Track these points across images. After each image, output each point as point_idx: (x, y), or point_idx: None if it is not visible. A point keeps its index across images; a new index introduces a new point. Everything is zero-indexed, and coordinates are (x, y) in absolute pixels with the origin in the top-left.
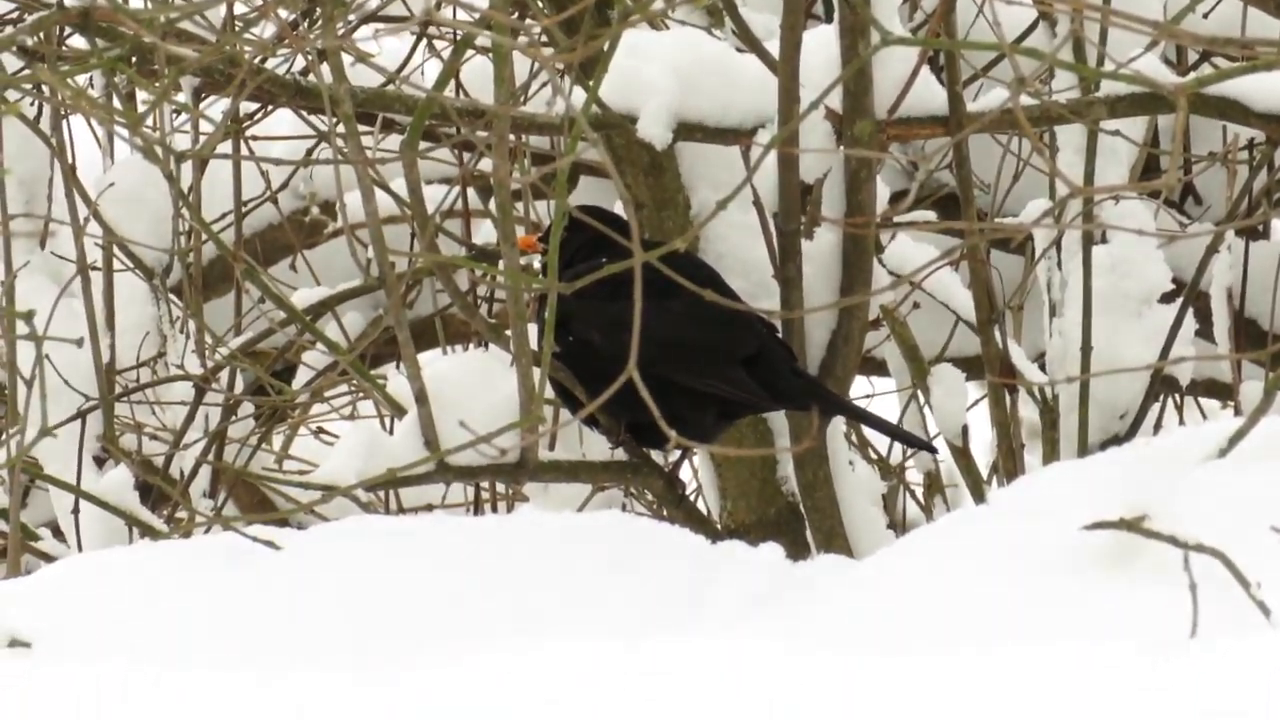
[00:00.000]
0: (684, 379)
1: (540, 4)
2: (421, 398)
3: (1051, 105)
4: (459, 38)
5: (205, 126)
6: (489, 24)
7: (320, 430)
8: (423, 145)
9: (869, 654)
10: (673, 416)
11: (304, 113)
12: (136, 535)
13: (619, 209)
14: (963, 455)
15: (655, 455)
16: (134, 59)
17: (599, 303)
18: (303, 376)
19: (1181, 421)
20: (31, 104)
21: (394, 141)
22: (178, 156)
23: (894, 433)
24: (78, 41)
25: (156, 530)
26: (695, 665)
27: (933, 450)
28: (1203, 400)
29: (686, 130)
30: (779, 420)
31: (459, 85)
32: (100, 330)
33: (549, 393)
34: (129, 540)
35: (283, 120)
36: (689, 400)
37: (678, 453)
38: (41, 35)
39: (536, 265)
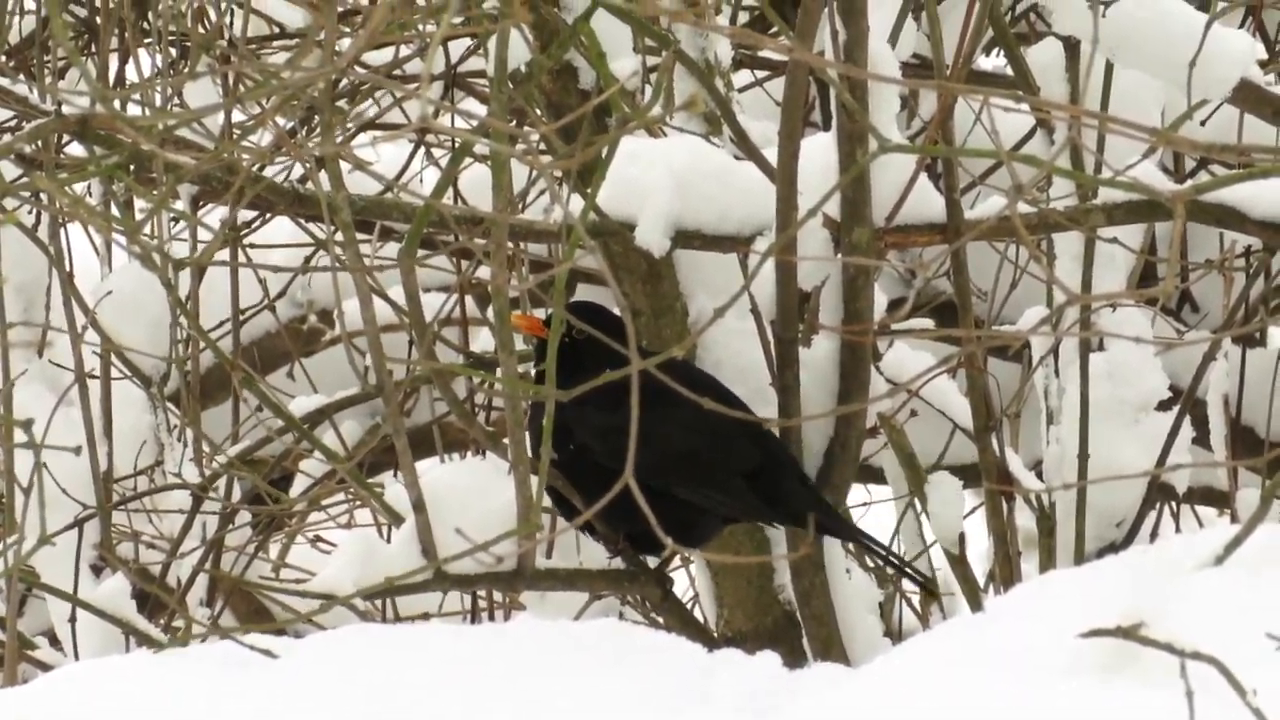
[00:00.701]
0: (684, 492)
1: (538, 111)
2: (419, 506)
3: (1049, 212)
4: (457, 145)
5: (203, 234)
6: (487, 131)
7: (317, 539)
8: (421, 253)
9: None
10: (671, 525)
11: (302, 220)
12: (134, 644)
13: (618, 309)
14: (960, 563)
15: (649, 559)
16: (132, 166)
17: (599, 411)
18: (300, 485)
19: (1178, 529)
20: (30, 212)
21: (392, 249)
22: (175, 264)
23: (891, 562)
24: (76, 149)
25: (154, 639)
26: None
27: (931, 589)
28: (1199, 508)
29: (684, 237)
30: (776, 530)
31: (457, 193)
32: (98, 438)
33: (546, 501)
34: (126, 649)
35: (281, 228)
36: (688, 510)
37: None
38: (39, 143)
39: (534, 373)
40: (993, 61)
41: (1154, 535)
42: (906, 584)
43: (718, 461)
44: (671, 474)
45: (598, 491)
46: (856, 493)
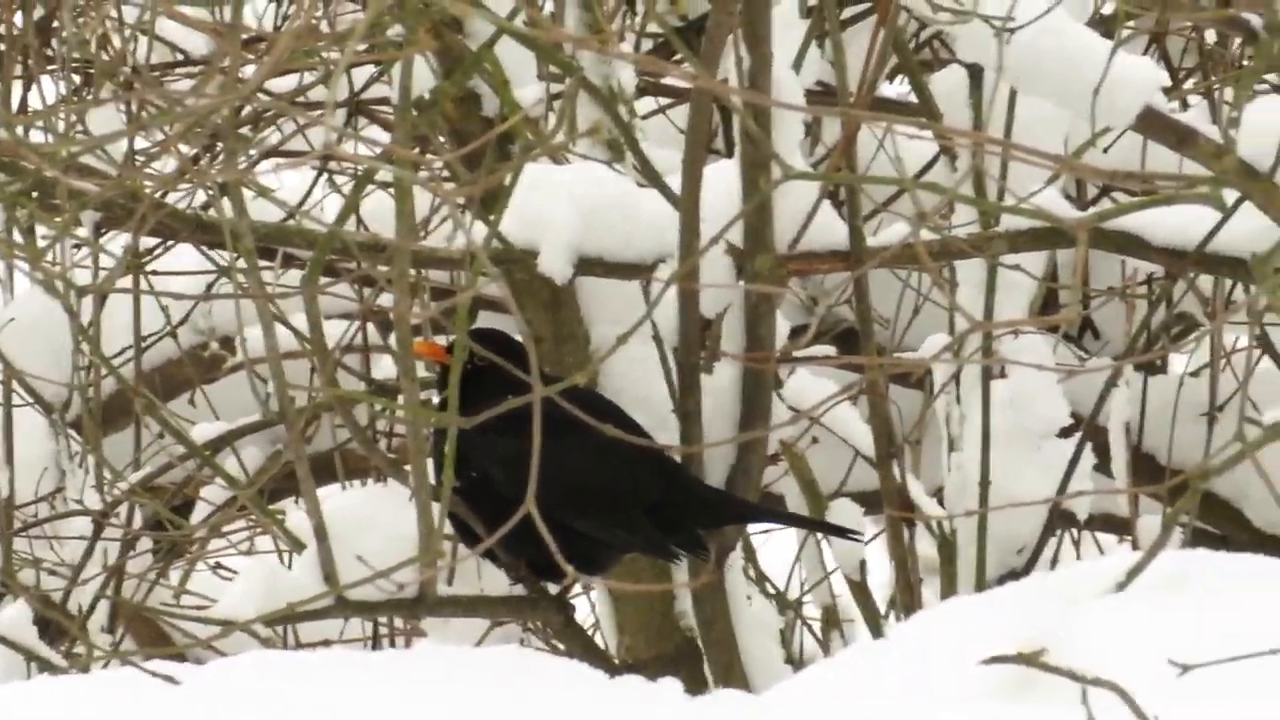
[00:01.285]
0: (583, 525)
1: (441, 139)
2: (320, 533)
3: (952, 240)
4: (360, 172)
5: (105, 261)
6: (390, 158)
7: (219, 565)
8: (323, 280)
9: None
10: (571, 554)
11: (205, 247)
12: (35, 670)
13: (520, 336)
14: (860, 590)
15: (550, 585)
16: (35, 193)
17: (500, 438)
18: (201, 511)
19: (1079, 556)
20: None
21: (294, 276)
22: (78, 291)
23: (817, 526)
24: None
25: (55, 665)
26: None
27: (859, 537)
28: (1100, 534)
29: (587, 265)
30: (677, 563)
31: (360, 220)
32: None
33: (448, 528)
34: (27, 675)
35: (183, 255)
36: (588, 541)
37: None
38: None
39: (436, 400)
40: (896, 88)
41: (1055, 562)
42: (807, 611)
43: (618, 495)
44: (571, 507)
45: (499, 519)
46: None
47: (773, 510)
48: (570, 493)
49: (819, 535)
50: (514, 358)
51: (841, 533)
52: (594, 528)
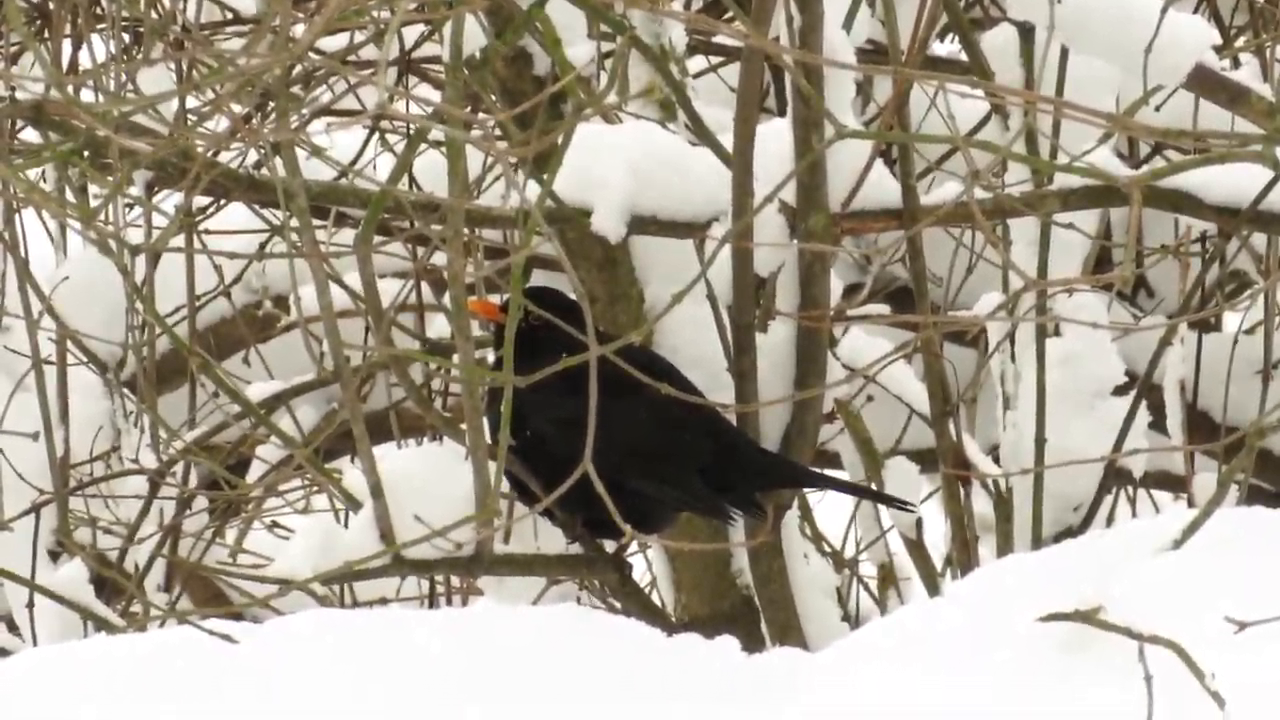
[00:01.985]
0: (637, 484)
1: (494, 98)
2: (377, 491)
3: (1005, 198)
4: (412, 131)
5: (158, 220)
6: (442, 118)
7: (275, 524)
8: (377, 239)
9: None
10: (626, 512)
11: (257, 207)
12: (92, 629)
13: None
14: (917, 548)
15: (607, 544)
16: (87, 153)
17: (555, 397)
18: (257, 470)
19: (1134, 514)
20: None
21: (348, 236)
22: (132, 250)
23: (869, 494)
24: (30, 135)
25: (112, 624)
26: None
27: (913, 509)
28: (1156, 492)
29: (640, 224)
30: (731, 523)
31: (413, 179)
32: (55, 424)
33: (504, 486)
34: (84, 634)
35: (236, 214)
36: (643, 499)
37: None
38: None
39: (491, 359)
40: (948, 47)
41: (1110, 520)
42: (864, 569)
43: (672, 456)
44: (625, 467)
45: (554, 477)
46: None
47: (825, 476)
48: (624, 452)
49: None
50: (569, 316)
51: (893, 502)
52: (648, 486)
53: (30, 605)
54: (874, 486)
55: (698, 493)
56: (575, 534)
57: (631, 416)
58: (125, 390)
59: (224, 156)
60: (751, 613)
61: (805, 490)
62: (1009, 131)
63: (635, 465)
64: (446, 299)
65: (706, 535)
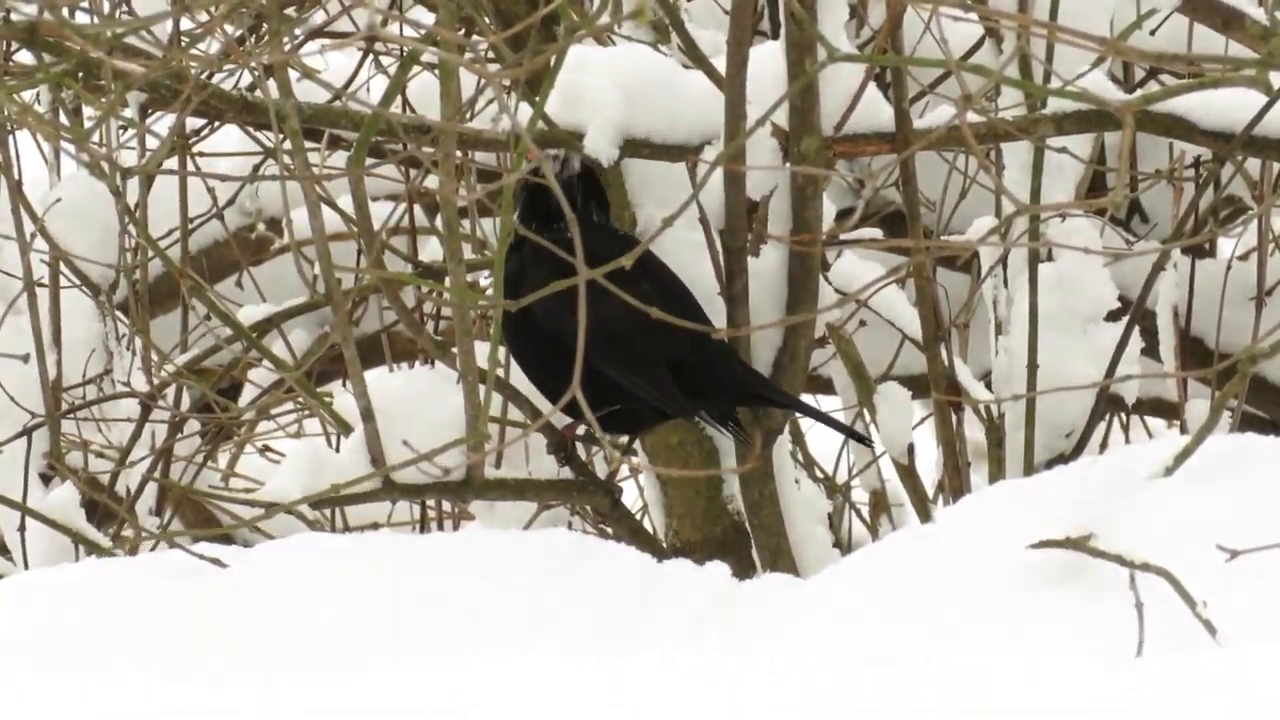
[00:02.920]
0: (611, 371)
1: (486, 20)
2: (368, 415)
3: (998, 122)
4: (405, 54)
5: (151, 142)
6: (435, 40)
7: (266, 448)
8: (369, 162)
9: (816, 671)
10: (605, 410)
11: (250, 129)
12: (83, 553)
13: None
14: (908, 473)
15: (598, 465)
16: (80, 74)
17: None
18: (249, 394)
19: (1127, 440)
20: None
21: (340, 158)
22: (124, 172)
23: (836, 425)
24: (24, 57)
25: (103, 548)
26: (643, 680)
27: (869, 443)
28: (1149, 419)
29: (633, 146)
30: (724, 440)
31: (405, 102)
32: (46, 347)
33: (495, 410)
34: (76, 557)
35: (229, 136)
36: (620, 393)
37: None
38: None
39: (484, 283)
40: None
41: (1103, 446)
42: (855, 495)
43: (640, 341)
44: (599, 346)
45: (540, 354)
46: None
47: (796, 400)
48: (597, 331)
49: (868, 419)
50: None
51: (857, 437)
52: (614, 369)
53: (21, 529)
54: (865, 411)
55: (662, 383)
56: (565, 452)
57: (608, 297)
58: (117, 313)
59: (217, 78)
60: (742, 538)
61: (778, 409)
62: (1002, 55)
63: (605, 345)
64: (439, 222)
65: (698, 461)
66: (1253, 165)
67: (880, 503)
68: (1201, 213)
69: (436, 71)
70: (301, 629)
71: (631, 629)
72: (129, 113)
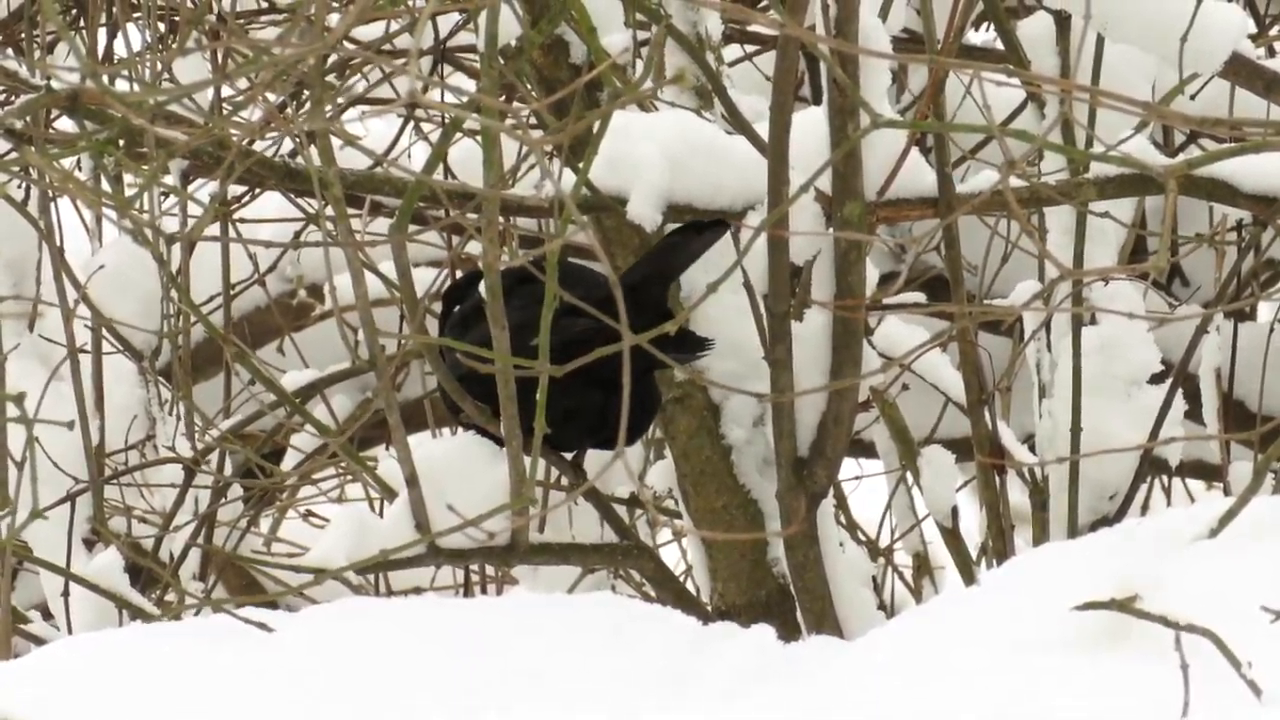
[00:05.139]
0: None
1: (529, 86)
2: (412, 480)
3: (1040, 187)
4: (447, 120)
5: (193, 209)
6: (477, 107)
7: (309, 513)
8: (412, 228)
9: None
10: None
11: (293, 195)
12: (126, 618)
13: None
14: (953, 536)
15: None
16: (122, 142)
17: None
18: (292, 459)
19: (1169, 503)
20: (20, 186)
21: (383, 224)
22: (167, 238)
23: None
24: (66, 124)
25: (147, 613)
26: None
27: (727, 226)
28: (1191, 481)
29: (676, 212)
30: (769, 504)
31: (447, 168)
32: (90, 413)
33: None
34: (119, 623)
35: (271, 203)
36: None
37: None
38: (29, 118)
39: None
40: (983, 35)
41: (1146, 509)
42: (898, 558)
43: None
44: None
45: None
46: (849, 466)
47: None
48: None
49: (908, 483)
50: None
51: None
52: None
53: (65, 594)
54: (908, 476)
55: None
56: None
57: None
58: (160, 379)
59: (259, 145)
60: (787, 601)
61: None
62: (1045, 120)
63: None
64: (481, 288)
65: (743, 524)
66: None
67: (924, 565)
68: (1243, 276)
69: (479, 138)
70: (347, 693)
71: (677, 691)
72: (171, 180)
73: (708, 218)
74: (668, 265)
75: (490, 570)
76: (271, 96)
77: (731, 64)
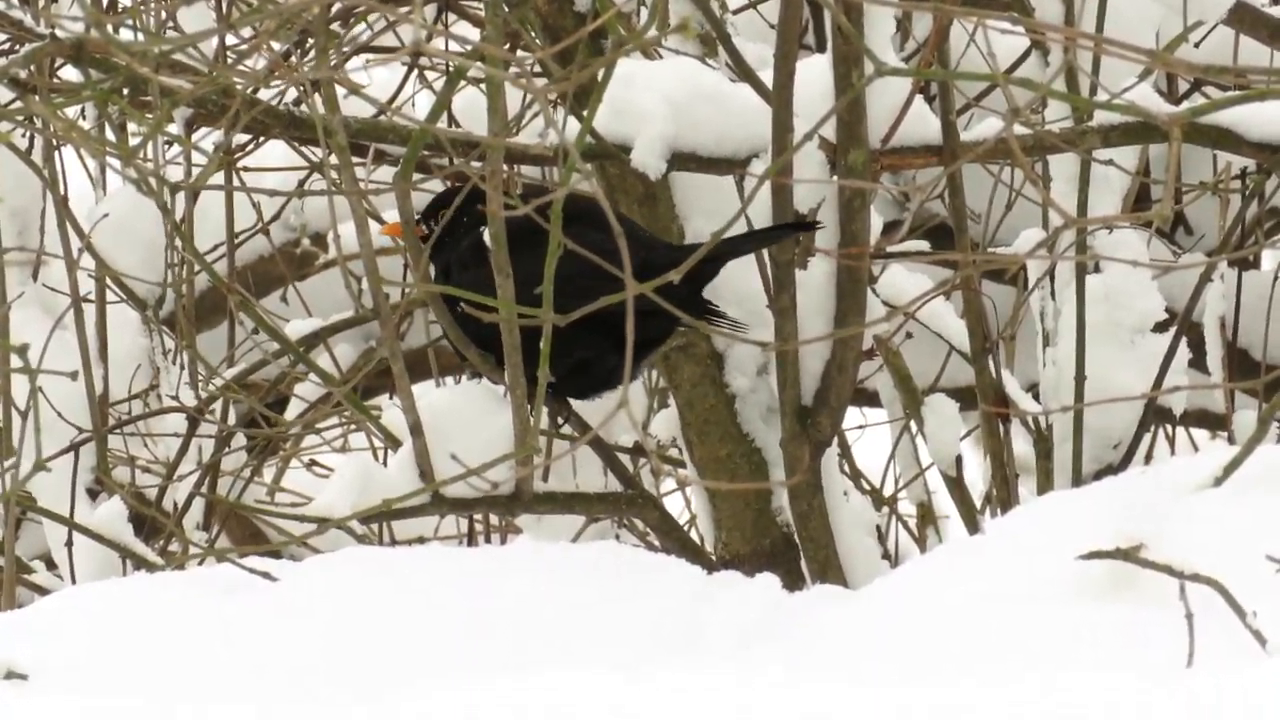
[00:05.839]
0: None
1: (533, 35)
2: (416, 429)
3: (1045, 135)
4: (451, 69)
5: (198, 158)
6: (481, 55)
7: (313, 463)
8: (416, 177)
9: (866, 684)
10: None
11: (297, 144)
12: (130, 567)
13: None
14: (956, 485)
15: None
16: (127, 91)
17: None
18: (295, 408)
19: (1173, 451)
20: (24, 136)
21: (387, 173)
22: (171, 188)
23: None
24: (70, 73)
25: (150, 562)
26: (694, 696)
27: (813, 225)
28: (1195, 430)
29: (680, 160)
30: (773, 452)
31: (451, 116)
32: (93, 362)
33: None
34: (123, 572)
35: (275, 151)
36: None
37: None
38: (34, 67)
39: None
40: None
41: (1150, 458)
42: (903, 507)
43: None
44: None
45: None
46: (853, 415)
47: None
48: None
49: (912, 432)
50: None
51: (794, 228)
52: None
53: (69, 544)
54: (912, 425)
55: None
56: (565, 414)
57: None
58: (164, 328)
59: (263, 94)
60: (791, 550)
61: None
62: (1049, 68)
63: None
64: (486, 236)
65: (747, 474)
66: None
67: (928, 515)
68: (1247, 224)
69: (483, 86)
70: (352, 644)
71: (682, 641)
72: (175, 129)
73: (713, 166)
74: (738, 249)
75: (494, 519)
76: (275, 45)
77: (736, 11)
